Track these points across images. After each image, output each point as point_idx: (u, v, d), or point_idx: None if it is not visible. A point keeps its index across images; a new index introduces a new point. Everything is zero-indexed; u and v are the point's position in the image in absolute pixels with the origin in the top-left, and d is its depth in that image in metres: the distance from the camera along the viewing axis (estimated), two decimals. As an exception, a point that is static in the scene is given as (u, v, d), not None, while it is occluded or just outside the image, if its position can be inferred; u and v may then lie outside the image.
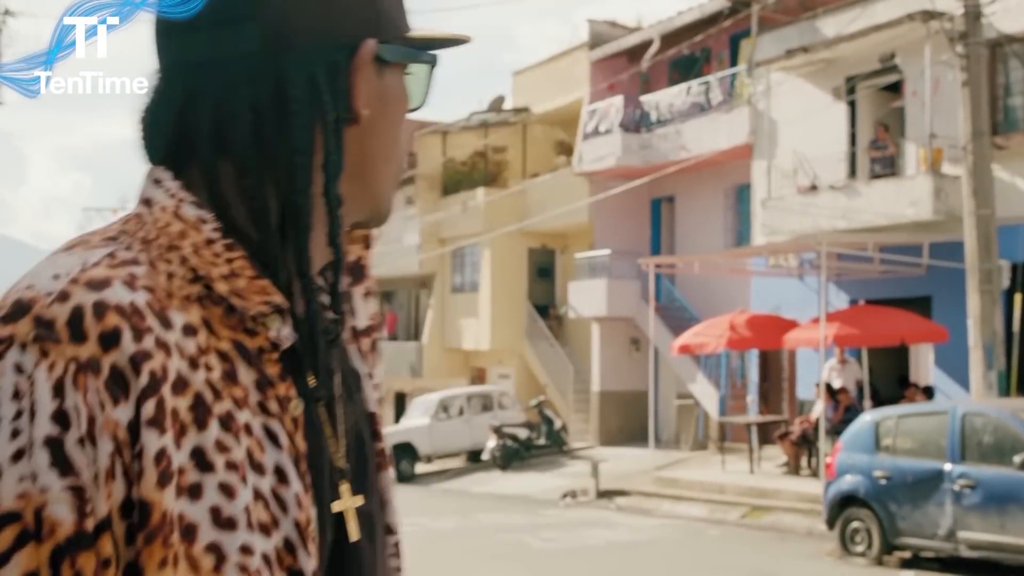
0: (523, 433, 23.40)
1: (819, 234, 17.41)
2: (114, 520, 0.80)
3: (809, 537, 14.16)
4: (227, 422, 0.86)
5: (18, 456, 0.77)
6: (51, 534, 0.76)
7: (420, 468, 24.09)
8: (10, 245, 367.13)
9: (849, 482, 12.51)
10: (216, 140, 0.93)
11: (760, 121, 20.76)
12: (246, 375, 0.90)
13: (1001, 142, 16.01)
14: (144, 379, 0.81)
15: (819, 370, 17.28)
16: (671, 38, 23.16)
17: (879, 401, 17.17)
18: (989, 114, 14.51)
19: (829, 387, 16.96)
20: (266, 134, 0.93)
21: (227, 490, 0.84)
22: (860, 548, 12.40)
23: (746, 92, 21.55)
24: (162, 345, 0.83)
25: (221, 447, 0.85)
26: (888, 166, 18.37)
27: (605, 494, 18.68)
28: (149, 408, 0.81)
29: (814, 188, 19.07)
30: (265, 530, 0.86)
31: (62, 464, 0.77)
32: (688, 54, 23.38)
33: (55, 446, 0.77)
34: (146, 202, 0.93)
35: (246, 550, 0.84)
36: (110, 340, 0.80)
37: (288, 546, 0.87)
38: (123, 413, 0.80)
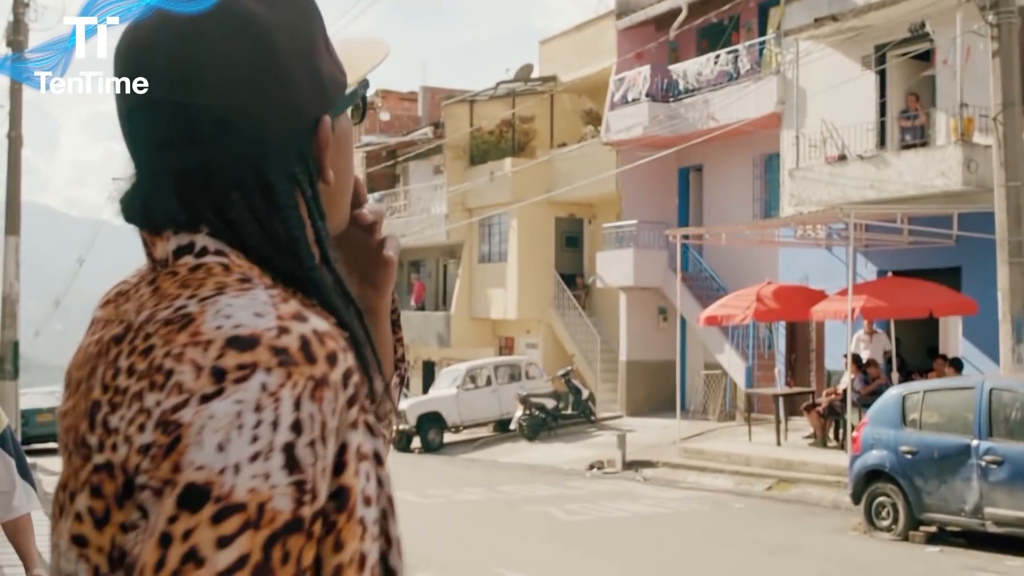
0: (550, 403, 23.44)
1: (847, 206, 17.28)
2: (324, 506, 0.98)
3: (835, 510, 14.15)
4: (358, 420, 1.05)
5: (255, 458, 0.92)
6: (270, 523, 0.92)
7: (448, 438, 24.21)
8: (43, 212, 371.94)
9: (875, 456, 12.47)
10: (220, 221, 1.08)
11: (789, 90, 20.57)
12: None
13: (1033, 112, 15.79)
14: (351, 389, 1.00)
15: (847, 341, 17.20)
16: (699, 6, 22.96)
17: (907, 372, 17.10)
18: (1021, 85, 14.28)
19: (857, 358, 16.88)
20: (262, 217, 1.08)
21: (366, 474, 1.03)
22: (886, 523, 12.39)
23: (775, 61, 21.35)
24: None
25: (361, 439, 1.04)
26: (918, 136, 18.18)
27: (631, 465, 18.73)
28: (353, 412, 1.00)
29: (843, 158, 18.90)
30: (368, 502, 1.03)
31: (291, 465, 0.94)
32: (716, 22, 23.16)
33: (289, 450, 0.94)
34: (199, 253, 1.07)
35: (370, 521, 1.04)
36: (333, 360, 0.98)
37: (383, 515, 1.07)
38: (341, 418, 0.99)
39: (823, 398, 17.93)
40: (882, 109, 19.19)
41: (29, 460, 4.74)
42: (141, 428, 0.97)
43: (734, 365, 22.18)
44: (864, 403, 15.22)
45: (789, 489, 15.77)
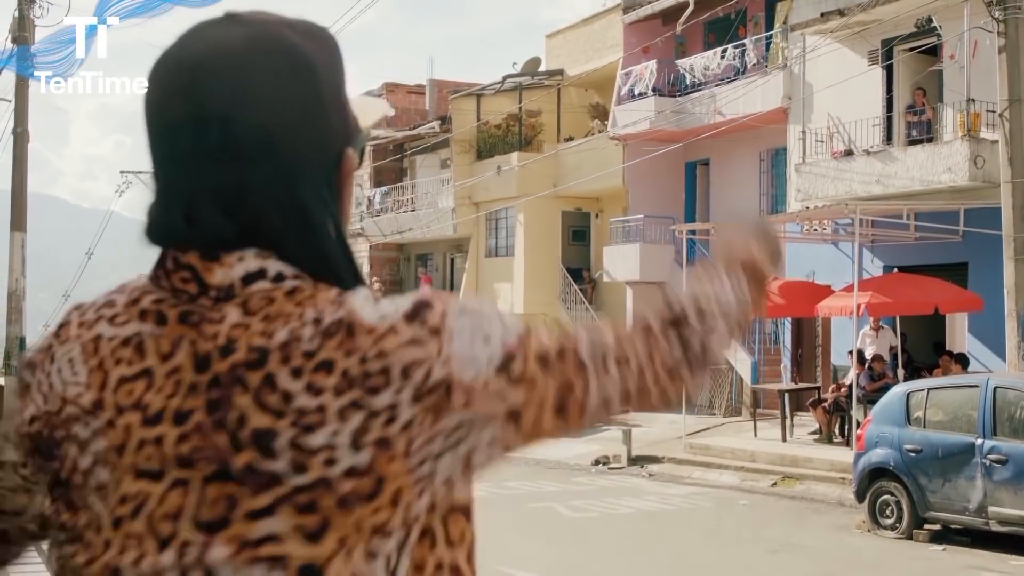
0: (557, 398, 23.38)
1: (853, 201, 17.23)
2: None
3: (840, 507, 14.13)
4: None
5: (502, 319, 1.11)
6: (530, 338, 1.12)
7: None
8: (54, 203, 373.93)
9: (879, 455, 12.45)
10: (266, 241, 1.12)
11: (795, 85, 20.52)
12: None
13: (1040, 108, 15.72)
14: None
15: (853, 337, 17.16)
16: (706, 1, 22.89)
17: (913, 368, 17.05)
18: (1027, 80, 14.24)
19: (861, 355, 16.84)
20: (301, 238, 1.13)
21: None
22: (890, 521, 12.37)
23: (782, 55, 21.29)
24: None
25: None
26: (924, 131, 18.11)
27: (637, 460, 18.73)
28: None
29: (849, 153, 18.85)
30: None
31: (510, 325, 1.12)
32: (723, 17, 23.10)
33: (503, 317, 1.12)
34: (275, 278, 1.11)
35: None
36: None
37: None
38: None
39: (829, 394, 17.90)
40: (889, 104, 19.13)
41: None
42: (389, 421, 1.04)
43: (740, 360, 22.13)
44: (870, 399, 15.19)
45: (794, 485, 15.75)
